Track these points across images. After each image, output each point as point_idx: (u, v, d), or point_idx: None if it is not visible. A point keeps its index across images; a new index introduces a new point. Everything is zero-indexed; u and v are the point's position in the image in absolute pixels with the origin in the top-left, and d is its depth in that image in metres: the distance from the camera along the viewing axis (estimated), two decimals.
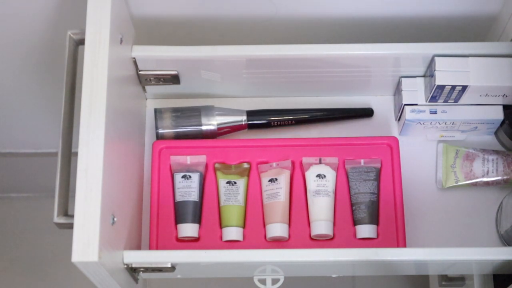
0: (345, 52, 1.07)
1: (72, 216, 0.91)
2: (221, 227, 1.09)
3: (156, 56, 1.07)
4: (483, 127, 1.13)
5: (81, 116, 0.92)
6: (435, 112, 1.11)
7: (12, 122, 1.46)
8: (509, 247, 1.07)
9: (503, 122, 1.12)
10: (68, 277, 1.71)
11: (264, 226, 1.09)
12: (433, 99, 1.10)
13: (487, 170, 1.12)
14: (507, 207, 1.09)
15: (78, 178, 0.90)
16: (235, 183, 1.10)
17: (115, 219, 0.95)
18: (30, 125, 1.48)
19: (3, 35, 1.17)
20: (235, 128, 1.15)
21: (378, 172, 1.11)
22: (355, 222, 1.09)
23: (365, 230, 1.08)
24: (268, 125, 1.15)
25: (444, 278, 1.30)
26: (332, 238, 1.09)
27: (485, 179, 1.12)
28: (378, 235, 1.08)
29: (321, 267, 1.07)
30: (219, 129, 1.14)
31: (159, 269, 1.01)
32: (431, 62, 1.08)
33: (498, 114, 1.11)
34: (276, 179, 1.10)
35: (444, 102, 1.11)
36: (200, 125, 1.13)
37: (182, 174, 1.10)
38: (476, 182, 1.13)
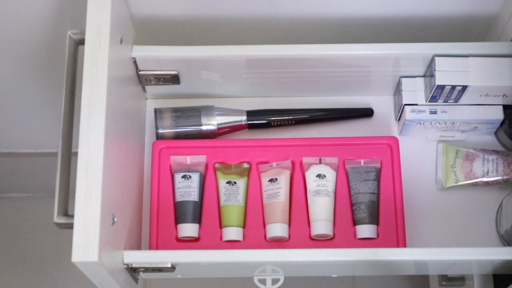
0: (345, 52, 1.07)
1: (72, 216, 0.91)
2: (221, 227, 1.09)
3: (156, 56, 1.07)
4: (483, 127, 1.13)
5: (81, 116, 0.92)
6: (435, 112, 1.11)
7: (12, 122, 1.46)
8: (509, 247, 1.07)
9: (503, 122, 1.12)
10: (68, 277, 1.71)
11: (264, 226, 1.09)
12: (433, 99, 1.10)
13: (487, 170, 1.12)
14: (507, 207, 1.09)
15: (78, 178, 0.90)
16: (235, 183, 1.10)
17: (115, 219, 0.95)
18: (30, 125, 1.48)
19: (3, 35, 1.17)
20: (235, 128, 1.15)
21: (378, 172, 1.11)
22: (355, 222, 1.09)
23: (365, 230, 1.08)
24: (268, 125, 1.15)
25: (444, 278, 1.30)
26: (332, 238, 1.09)
27: (485, 179, 1.12)
28: (378, 235, 1.08)
29: (321, 267, 1.07)
30: (219, 129, 1.14)
31: (159, 269, 1.01)
32: (431, 62, 1.08)
33: (498, 114, 1.11)
34: (276, 179, 1.10)
35: (444, 102, 1.11)
36: (200, 125, 1.13)
37: (182, 174, 1.10)
38: (476, 182, 1.13)
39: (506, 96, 1.09)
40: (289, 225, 1.09)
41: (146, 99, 1.19)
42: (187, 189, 1.09)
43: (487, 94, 1.08)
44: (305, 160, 1.11)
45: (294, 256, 1.00)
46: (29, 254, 1.75)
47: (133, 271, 1.01)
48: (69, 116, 1.01)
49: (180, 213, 1.09)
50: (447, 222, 1.12)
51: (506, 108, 1.11)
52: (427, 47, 1.07)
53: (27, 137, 1.54)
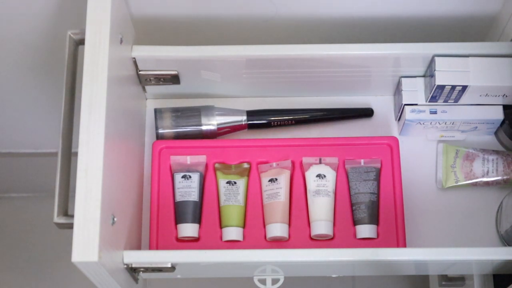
0: (345, 52, 1.07)
1: (72, 216, 0.91)
2: (221, 227, 1.09)
3: (156, 56, 1.07)
4: (483, 127, 1.13)
5: (81, 116, 0.92)
6: (435, 112, 1.11)
7: (12, 122, 1.46)
8: (509, 247, 1.07)
9: (503, 122, 1.12)
10: (68, 277, 1.71)
11: (264, 226, 1.09)
12: (433, 99, 1.10)
13: (487, 170, 1.12)
14: (507, 207, 1.09)
15: (78, 178, 0.90)
16: (235, 183, 1.10)
17: (115, 219, 0.95)
18: (30, 125, 1.48)
19: (3, 35, 1.17)
20: (235, 128, 1.15)
21: (378, 172, 1.11)
22: (355, 222, 1.09)
23: (365, 230, 1.08)
24: (268, 125, 1.15)
25: (444, 278, 1.30)
26: (332, 238, 1.09)
27: (485, 179, 1.12)
28: (378, 235, 1.08)
29: (321, 267, 1.07)
30: (219, 129, 1.14)
31: (159, 269, 1.01)
32: (431, 62, 1.08)
33: (498, 114, 1.11)
34: (276, 179, 1.10)
35: (444, 102, 1.11)
36: (200, 125, 1.13)
37: (182, 174, 1.10)
38: (476, 182, 1.13)
39: (506, 96, 1.09)
40: (289, 225, 1.09)
41: (146, 99, 1.19)
42: (187, 189, 1.09)
43: (487, 94, 1.08)
44: (305, 160, 1.11)
45: (294, 256, 1.00)
46: (29, 254, 1.75)
47: (133, 271, 1.01)
48: (69, 116, 1.01)
49: (180, 213, 1.09)
50: (447, 222, 1.12)
51: (506, 108, 1.11)
52: (427, 47, 1.07)
53: (27, 137, 1.54)
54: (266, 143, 1.13)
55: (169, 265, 1.00)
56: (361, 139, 1.12)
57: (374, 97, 1.18)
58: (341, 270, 1.11)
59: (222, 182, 1.10)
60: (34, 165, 1.63)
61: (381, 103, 1.18)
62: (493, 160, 1.12)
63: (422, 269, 1.14)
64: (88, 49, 0.95)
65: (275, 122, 1.15)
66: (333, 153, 1.12)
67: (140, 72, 1.10)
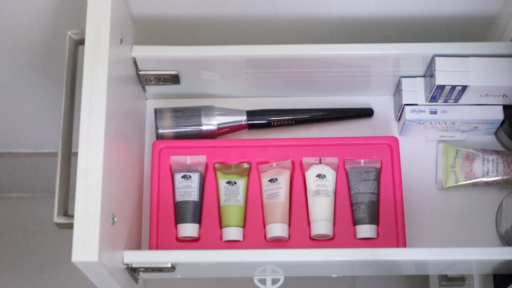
0: (345, 52, 1.07)
1: (72, 216, 0.91)
2: (221, 227, 1.09)
3: (156, 56, 1.07)
4: (483, 127, 1.13)
5: (81, 116, 0.92)
6: (435, 112, 1.11)
7: (12, 122, 1.46)
8: (509, 247, 1.07)
9: (503, 122, 1.12)
10: (68, 277, 1.71)
11: (264, 226, 1.09)
12: (433, 99, 1.10)
13: (487, 170, 1.12)
14: (507, 207, 1.09)
15: (78, 178, 0.90)
16: (235, 183, 1.10)
17: (115, 219, 0.95)
18: (30, 125, 1.48)
19: (3, 35, 1.17)
20: (235, 128, 1.15)
21: (378, 172, 1.11)
22: (355, 222, 1.09)
23: (365, 230, 1.08)
24: (268, 125, 1.15)
25: (444, 278, 1.30)
26: (332, 238, 1.09)
27: (485, 179, 1.12)
28: (378, 235, 1.08)
29: (321, 267, 1.07)
30: (219, 129, 1.14)
31: (159, 269, 1.01)
32: (431, 62, 1.08)
33: (498, 114, 1.11)
34: (276, 179, 1.10)
35: (444, 102, 1.11)
36: (200, 125, 1.13)
37: (182, 174, 1.10)
38: (476, 182, 1.13)
39: (506, 96, 1.09)
40: (289, 225, 1.09)
41: (146, 99, 1.19)
42: (187, 189, 1.09)
43: (487, 94, 1.08)
44: (305, 160, 1.11)
45: (294, 256, 1.00)
46: (29, 254, 1.75)
47: (133, 271, 1.01)
48: (69, 116, 1.01)
49: (180, 213, 1.09)
50: (447, 222, 1.12)
51: (506, 108, 1.11)
52: (427, 47, 1.07)
53: (27, 137, 1.54)
54: (266, 143, 1.13)
55: (169, 265, 1.00)
56: (361, 139, 1.12)
57: (374, 97, 1.18)
58: (341, 270, 1.11)
59: (222, 182, 1.10)
60: (34, 165, 1.63)
61: (381, 103, 1.18)
62: (493, 160, 1.12)
63: (422, 269, 1.13)
64: (88, 49, 0.95)
65: (275, 122, 1.15)
66: (333, 153, 1.12)
67: (140, 72, 1.10)
